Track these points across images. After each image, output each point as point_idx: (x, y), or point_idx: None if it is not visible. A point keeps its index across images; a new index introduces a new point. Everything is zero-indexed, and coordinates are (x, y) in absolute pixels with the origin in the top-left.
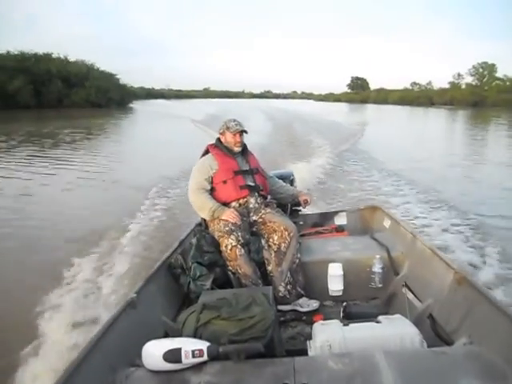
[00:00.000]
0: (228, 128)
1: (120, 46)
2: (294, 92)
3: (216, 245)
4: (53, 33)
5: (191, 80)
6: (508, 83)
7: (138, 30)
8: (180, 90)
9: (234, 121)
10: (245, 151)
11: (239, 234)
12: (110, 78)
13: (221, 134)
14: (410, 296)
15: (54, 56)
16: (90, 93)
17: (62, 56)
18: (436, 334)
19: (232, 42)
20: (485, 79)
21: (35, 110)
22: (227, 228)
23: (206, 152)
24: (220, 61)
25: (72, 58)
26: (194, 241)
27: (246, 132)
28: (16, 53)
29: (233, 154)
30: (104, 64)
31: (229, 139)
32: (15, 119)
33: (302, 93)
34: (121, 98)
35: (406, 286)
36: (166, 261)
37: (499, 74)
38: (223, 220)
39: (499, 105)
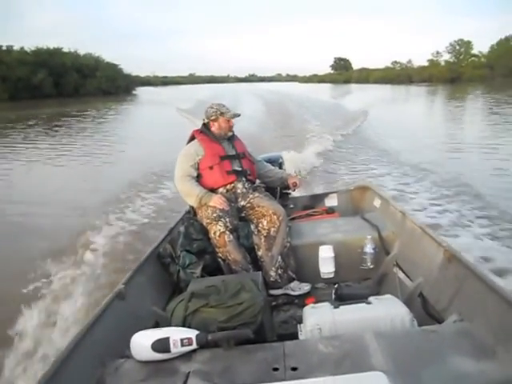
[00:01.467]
0: (222, 113)
1: (101, 33)
2: (279, 75)
3: (205, 232)
4: (29, 21)
5: (176, 66)
6: (482, 59)
7: (119, 16)
8: (166, 77)
9: (224, 106)
10: (231, 136)
11: (227, 219)
12: (114, 68)
13: (212, 120)
14: (401, 275)
15: (64, 50)
16: (101, 82)
17: (72, 50)
18: (427, 312)
19: (215, 26)
20: (461, 56)
21: (56, 99)
22: (215, 214)
23: (192, 138)
24: (204, 45)
25: (81, 52)
26: (182, 229)
27: (239, 115)
28: (33, 48)
29: (218, 140)
30: (87, 51)
31: (223, 125)
32: (46, 106)
33: (287, 75)
34: (126, 86)
35: (397, 265)
36: (154, 250)
37: (475, 51)
38: (211, 206)
39: (474, 80)
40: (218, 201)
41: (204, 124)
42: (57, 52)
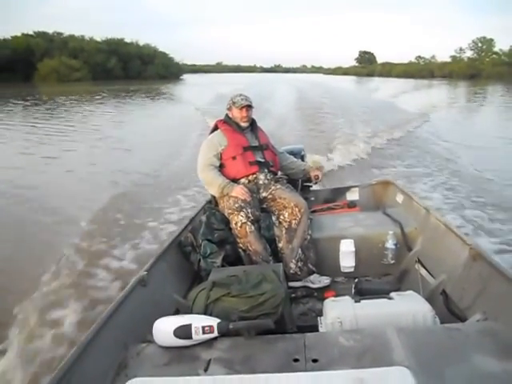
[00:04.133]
0: (234, 103)
1: (129, 20)
2: (304, 66)
3: (226, 222)
4: (57, 8)
5: (203, 54)
6: (503, 57)
7: (147, 3)
8: (194, 65)
9: (241, 95)
10: (254, 127)
11: (249, 210)
12: (167, 57)
13: (228, 109)
14: (423, 272)
15: (126, 40)
16: (159, 68)
17: (133, 41)
18: (449, 310)
19: (243, 16)
20: (483, 53)
21: (124, 81)
22: (237, 205)
23: (215, 128)
24: (231, 35)
25: (141, 42)
26: (203, 218)
27: (251, 106)
28: (103, 39)
29: (242, 130)
30: (145, 42)
31: (235, 114)
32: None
33: (312, 67)
34: (177, 72)
35: (419, 262)
36: (176, 239)
37: (496, 49)
38: (233, 197)
39: (493, 77)
40: (240, 191)
41: (227, 114)
42: (121, 42)
